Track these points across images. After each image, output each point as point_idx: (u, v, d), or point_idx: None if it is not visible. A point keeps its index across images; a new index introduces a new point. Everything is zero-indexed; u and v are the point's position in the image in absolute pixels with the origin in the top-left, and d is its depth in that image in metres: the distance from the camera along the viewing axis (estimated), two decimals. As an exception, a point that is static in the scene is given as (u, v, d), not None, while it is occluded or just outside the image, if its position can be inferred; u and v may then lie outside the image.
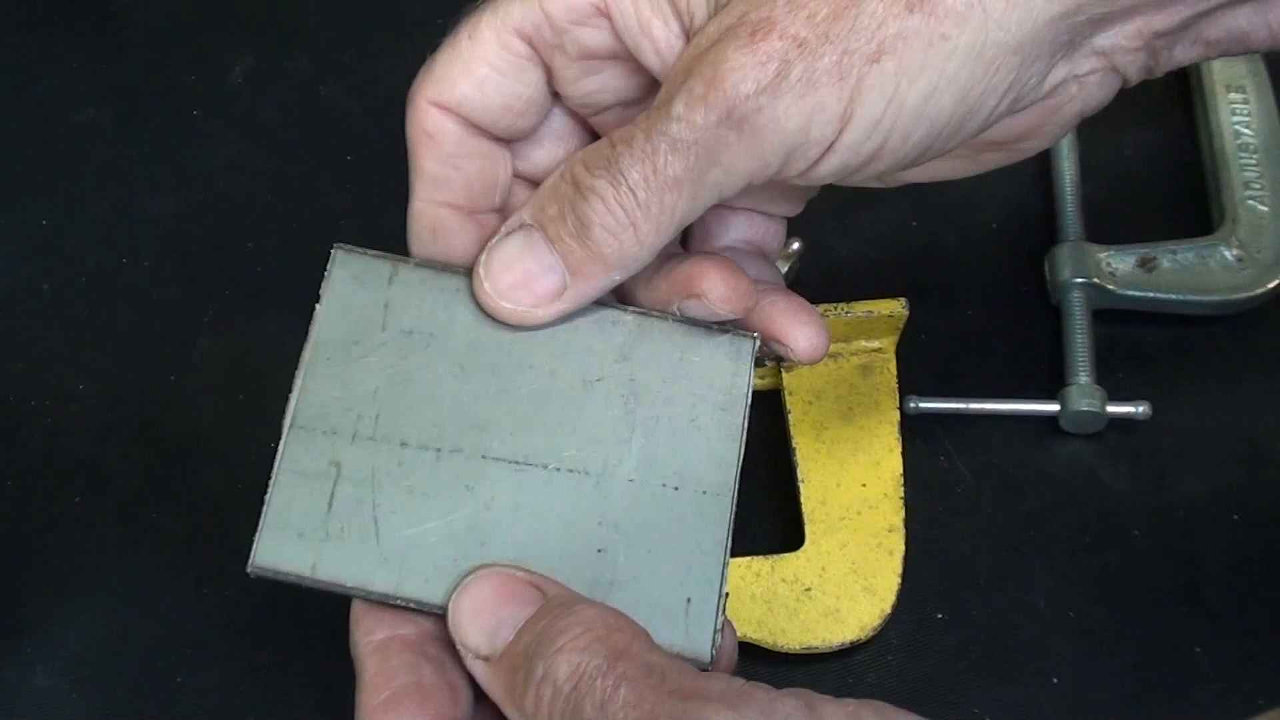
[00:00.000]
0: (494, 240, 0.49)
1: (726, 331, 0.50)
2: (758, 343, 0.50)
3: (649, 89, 0.50)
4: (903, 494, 0.63)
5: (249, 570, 0.45)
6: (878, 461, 0.64)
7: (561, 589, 0.46)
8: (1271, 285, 0.68)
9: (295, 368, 0.48)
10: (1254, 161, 0.71)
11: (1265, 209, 0.69)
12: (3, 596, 0.64)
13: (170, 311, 0.71)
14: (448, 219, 0.51)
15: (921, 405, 0.66)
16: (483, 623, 0.45)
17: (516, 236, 0.48)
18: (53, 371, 0.70)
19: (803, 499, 0.63)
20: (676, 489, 0.48)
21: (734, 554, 0.61)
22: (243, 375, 0.69)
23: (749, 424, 0.49)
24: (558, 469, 0.47)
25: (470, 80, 0.50)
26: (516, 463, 0.47)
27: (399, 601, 0.46)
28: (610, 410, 0.48)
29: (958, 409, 0.66)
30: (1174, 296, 0.68)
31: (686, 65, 0.46)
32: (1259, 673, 0.60)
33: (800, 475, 0.63)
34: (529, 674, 0.43)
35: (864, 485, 0.63)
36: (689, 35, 0.48)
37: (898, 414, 0.65)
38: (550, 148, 0.53)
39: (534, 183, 0.53)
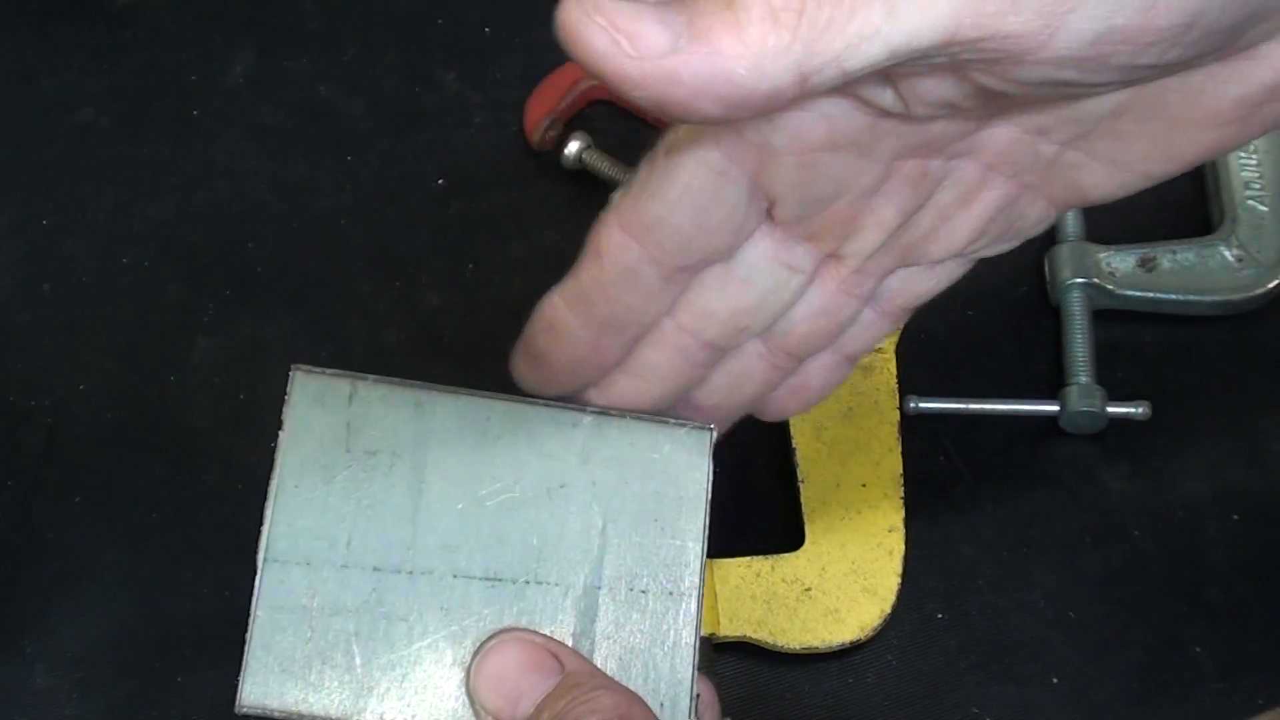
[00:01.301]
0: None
1: (683, 425, 0.50)
2: (714, 434, 0.50)
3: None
4: (903, 494, 0.63)
5: (237, 710, 0.47)
6: (878, 461, 0.64)
7: (579, 661, 0.47)
8: (1271, 285, 0.68)
9: (280, 414, 0.49)
10: (1254, 161, 0.70)
11: (1265, 209, 0.69)
12: (3, 596, 0.64)
13: (170, 311, 0.71)
14: (565, 328, 0.49)
15: (921, 405, 0.66)
16: (505, 691, 0.46)
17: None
18: (53, 371, 0.69)
19: (803, 499, 0.63)
20: (644, 592, 0.49)
21: (734, 554, 0.61)
22: (243, 375, 0.69)
23: (710, 519, 0.50)
24: (528, 582, 0.48)
25: (662, 201, 0.46)
26: (489, 579, 0.48)
27: None
28: (576, 519, 0.49)
29: (958, 409, 0.66)
30: (1174, 296, 0.68)
31: None
32: (1259, 673, 0.60)
33: (800, 475, 0.63)
34: None
35: (864, 485, 0.63)
36: None
37: (898, 414, 0.65)
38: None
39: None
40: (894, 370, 0.66)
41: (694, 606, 0.49)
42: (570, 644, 0.48)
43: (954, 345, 0.69)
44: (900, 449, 0.64)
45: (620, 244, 0.47)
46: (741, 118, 0.38)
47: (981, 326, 0.69)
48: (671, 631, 0.48)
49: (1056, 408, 0.65)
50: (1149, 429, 0.66)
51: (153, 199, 0.75)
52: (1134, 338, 0.68)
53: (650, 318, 0.49)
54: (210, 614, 0.63)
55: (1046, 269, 0.69)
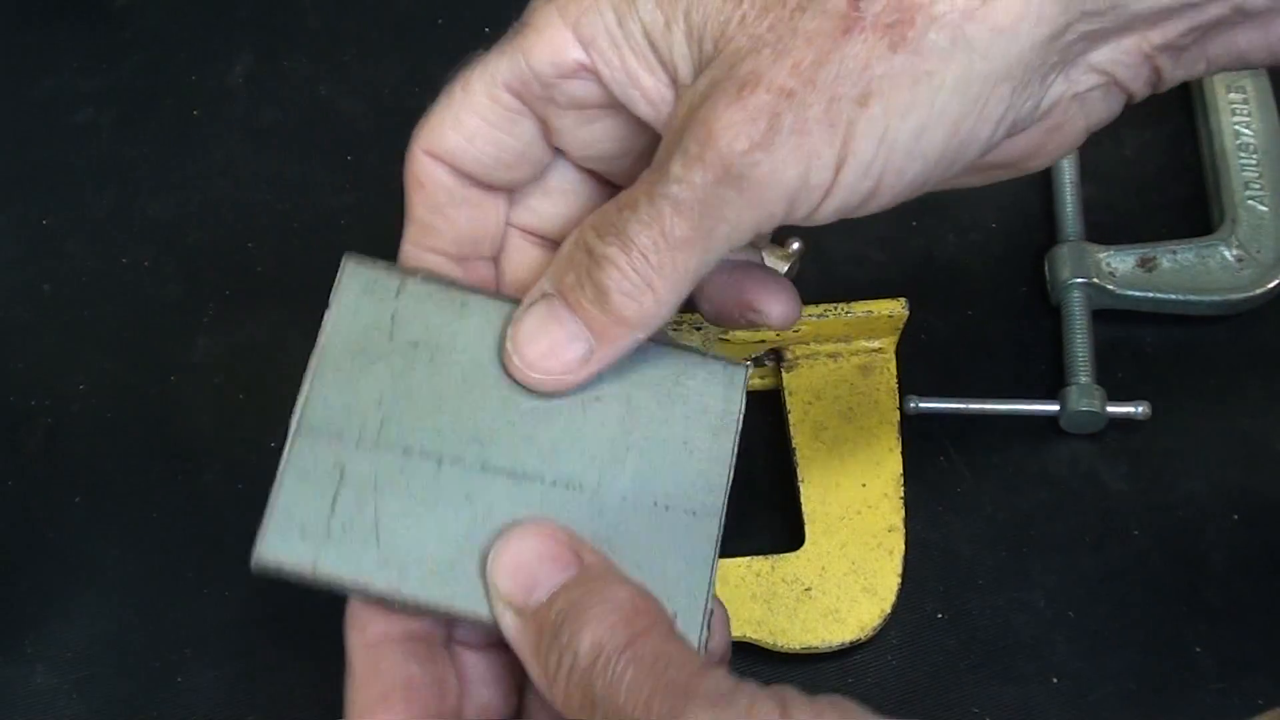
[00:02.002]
0: (519, 311, 0.49)
1: (720, 359, 0.51)
2: (750, 370, 0.52)
3: (651, 138, 0.50)
4: (903, 494, 0.63)
5: (252, 566, 0.46)
6: (878, 461, 0.64)
7: (597, 558, 0.47)
8: (1271, 285, 0.68)
9: (299, 370, 0.48)
10: (1254, 161, 0.71)
11: (1265, 209, 0.69)
12: (3, 596, 0.64)
13: (170, 311, 0.71)
14: (434, 265, 0.52)
15: (921, 405, 0.66)
16: (522, 579, 0.46)
17: (539, 307, 0.49)
18: (53, 371, 0.70)
19: (803, 499, 0.63)
20: (667, 508, 0.49)
21: (734, 554, 0.61)
22: (243, 375, 0.69)
23: (739, 447, 0.50)
24: (554, 483, 0.48)
25: (461, 131, 0.51)
26: (515, 475, 0.48)
27: (397, 602, 0.46)
28: (607, 429, 0.49)
29: (958, 409, 0.66)
30: (1174, 296, 0.68)
31: (680, 123, 0.47)
32: (1259, 673, 0.60)
33: (800, 475, 0.63)
34: (555, 638, 0.44)
35: (864, 485, 0.63)
36: (676, 86, 0.48)
37: (898, 414, 0.65)
38: (558, 201, 0.53)
39: (540, 236, 0.53)
40: (894, 370, 0.66)
41: (715, 527, 0.49)
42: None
43: (954, 345, 0.69)
44: (900, 449, 0.64)
45: (431, 167, 0.51)
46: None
47: (981, 326, 0.69)
48: (691, 547, 0.48)
49: (1056, 408, 0.65)
50: (1149, 429, 0.66)
51: (153, 199, 0.75)
52: (1134, 338, 0.68)
53: (493, 227, 0.53)
54: (210, 614, 0.63)
55: (1046, 269, 0.69)
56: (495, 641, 0.48)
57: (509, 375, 0.49)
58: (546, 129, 0.51)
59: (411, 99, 0.77)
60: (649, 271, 0.47)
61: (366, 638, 0.47)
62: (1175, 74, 0.49)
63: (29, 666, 0.62)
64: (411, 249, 0.52)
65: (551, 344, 0.49)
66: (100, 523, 0.66)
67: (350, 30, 0.80)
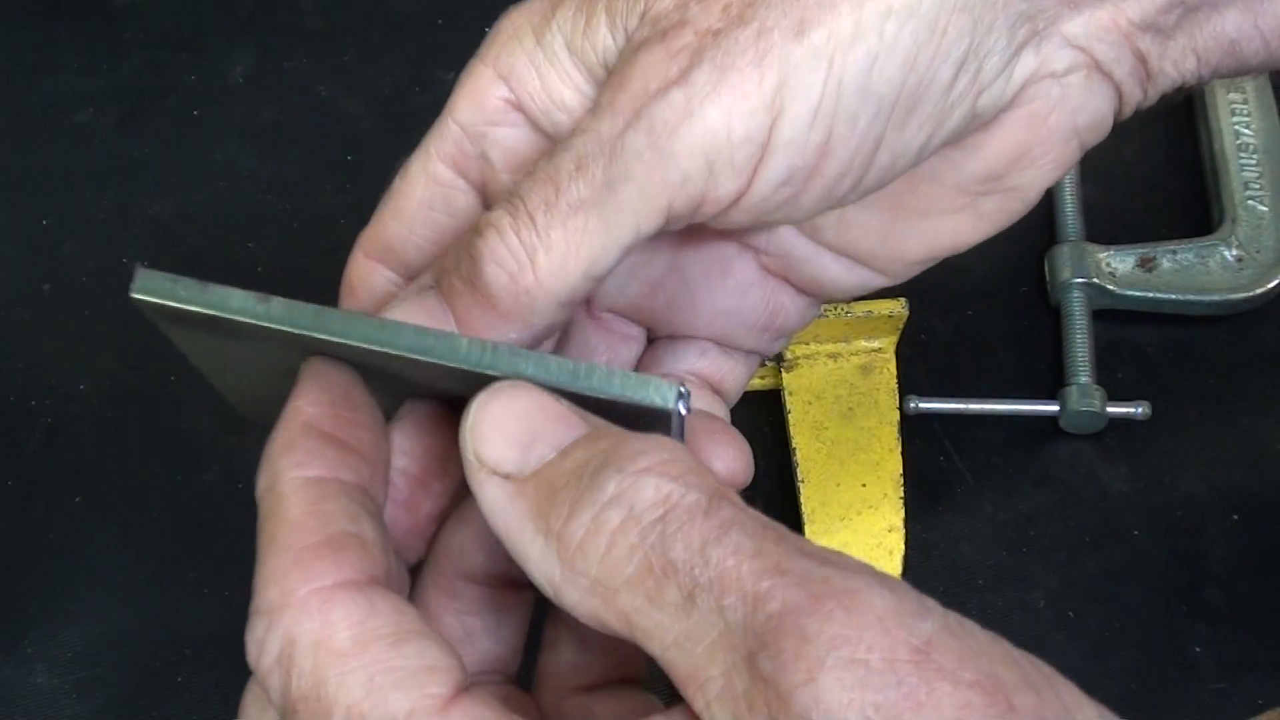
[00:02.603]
0: (391, 304, 0.43)
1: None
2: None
3: None
4: (903, 494, 0.63)
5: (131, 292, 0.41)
6: (878, 461, 0.64)
7: (613, 425, 0.38)
8: (1271, 285, 0.68)
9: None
10: (1254, 161, 0.71)
11: (1265, 209, 0.69)
12: (3, 596, 0.64)
13: (170, 311, 0.71)
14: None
15: (921, 405, 0.66)
16: (514, 431, 0.37)
17: (410, 300, 0.42)
18: (53, 371, 0.70)
19: (803, 499, 0.63)
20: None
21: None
22: (243, 375, 0.69)
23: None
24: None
25: (400, 220, 0.46)
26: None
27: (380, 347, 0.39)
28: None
29: (958, 409, 0.66)
30: (1174, 296, 0.68)
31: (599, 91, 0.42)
32: (1259, 673, 0.60)
33: (800, 475, 0.63)
34: (588, 492, 0.35)
35: (864, 485, 0.63)
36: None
37: (898, 414, 0.65)
38: None
39: None
40: (894, 370, 0.66)
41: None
42: None
43: (954, 345, 0.69)
44: (900, 449, 0.64)
45: (368, 271, 0.47)
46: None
47: (981, 326, 0.69)
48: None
49: (1056, 408, 0.65)
50: (1149, 429, 0.66)
51: (153, 199, 0.75)
52: (1134, 338, 0.68)
53: None
54: (210, 614, 0.63)
55: (1046, 269, 0.69)
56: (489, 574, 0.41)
57: None
58: (488, 201, 0.46)
59: (411, 99, 0.77)
60: (533, 239, 0.40)
61: (306, 473, 0.38)
62: (1164, 68, 0.46)
63: (29, 666, 0.62)
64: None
65: None
66: (100, 523, 0.66)
67: (350, 30, 0.80)
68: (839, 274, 0.48)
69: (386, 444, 0.41)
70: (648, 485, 0.35)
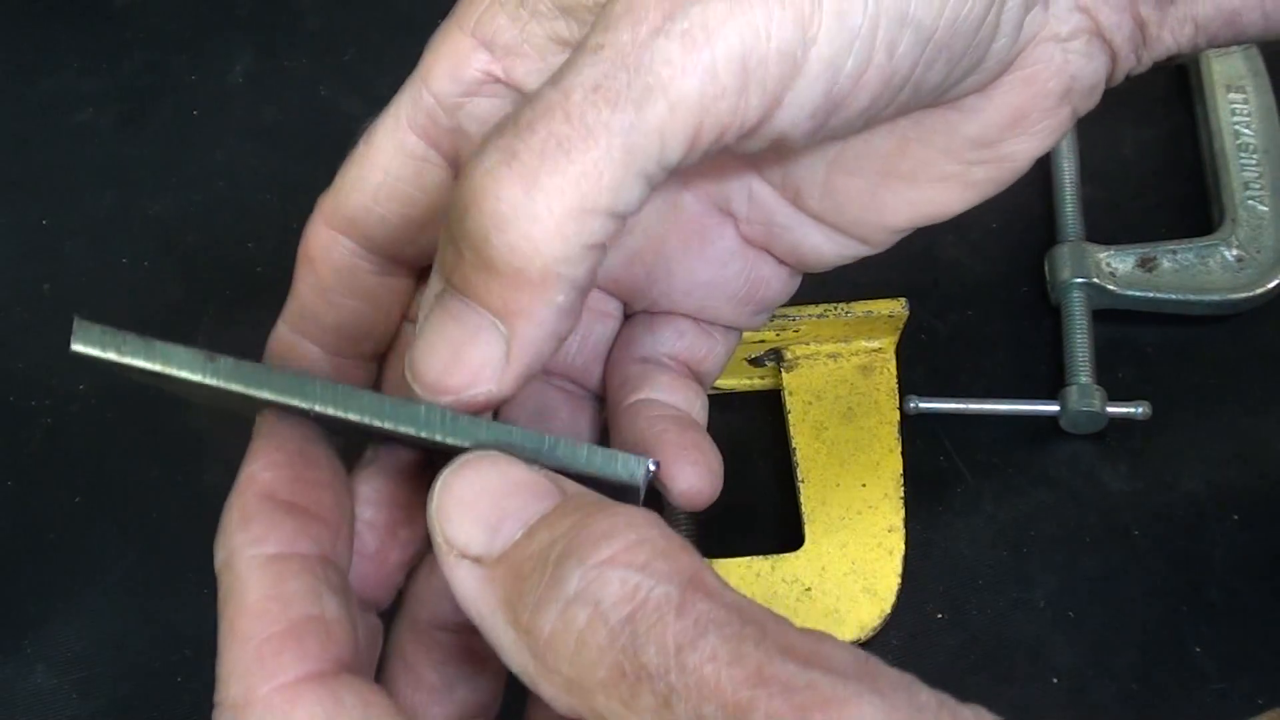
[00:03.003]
0: (419, 324, 0.39)
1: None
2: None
3: None
4: (903, 494, 0.63)
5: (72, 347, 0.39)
6: (878, 461, 0.64)
7: (586, 490, 0.36)
8: (1271, 285, 0.68)
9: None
10: (1254, 161, 0.71)
11: (1265, 209, 0.69)
12: (3, 596, 0.64)
13: (170, 311, 0.71)
14: (301, 354, 0.44)
15: (921, 405, 0.66)
16: (481, 511, 0.35)
17: (433, 313, 0.37)
18: (53, 371, 0.69)
19: (803, 499, 0.63)
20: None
21: (734, 554, 0.61)
22: (243, 375, 0.69)
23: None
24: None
25: (364, 192, 0.43)
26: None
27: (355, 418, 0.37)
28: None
29: (958, 409, 0.66)
30: (1174, 296, 0.68)
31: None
32: (1259, 673, 0.60)
33: (800, 475, 0.63)
34: (554, 585, 0.33)
35: (864, 485, 0.63)
36: None
37: (898, 414, 0.65)
38: None
39: None
40: (894, 370, 0.66)
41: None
42: None
43: (954, 345, 0.69)
44: (900, 449, 0.64)
45: (329, 242, 0.44)
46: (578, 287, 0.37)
47: (981, 326, 0.69)
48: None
49: (1056, 408, 0.65)
50: (1149, 429, 0.66)
51: (153, 199, 0.75)
52: (1134, 338, 0.68)
53: (382, 324, 0.44)
54: (210, 614, 0.63)
55: (1046, 269, 0.69)
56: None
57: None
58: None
59: (411, 99, 0.77)
60: (542, 180, 0.34)
61: (265, 551, 0.37)
62: (1161, 35, 0.44)
63: (29, 666, 0.62)
64: (285, 331, 0.44)
65: (453, 350, 0.37)
66: (100, 523, 0.66)
67: (350, 30, 0.80)
68: (820, 242, 0.46)
69: (349, 499, 0.39)
70: (613, 579, 0.32)
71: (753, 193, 0.45)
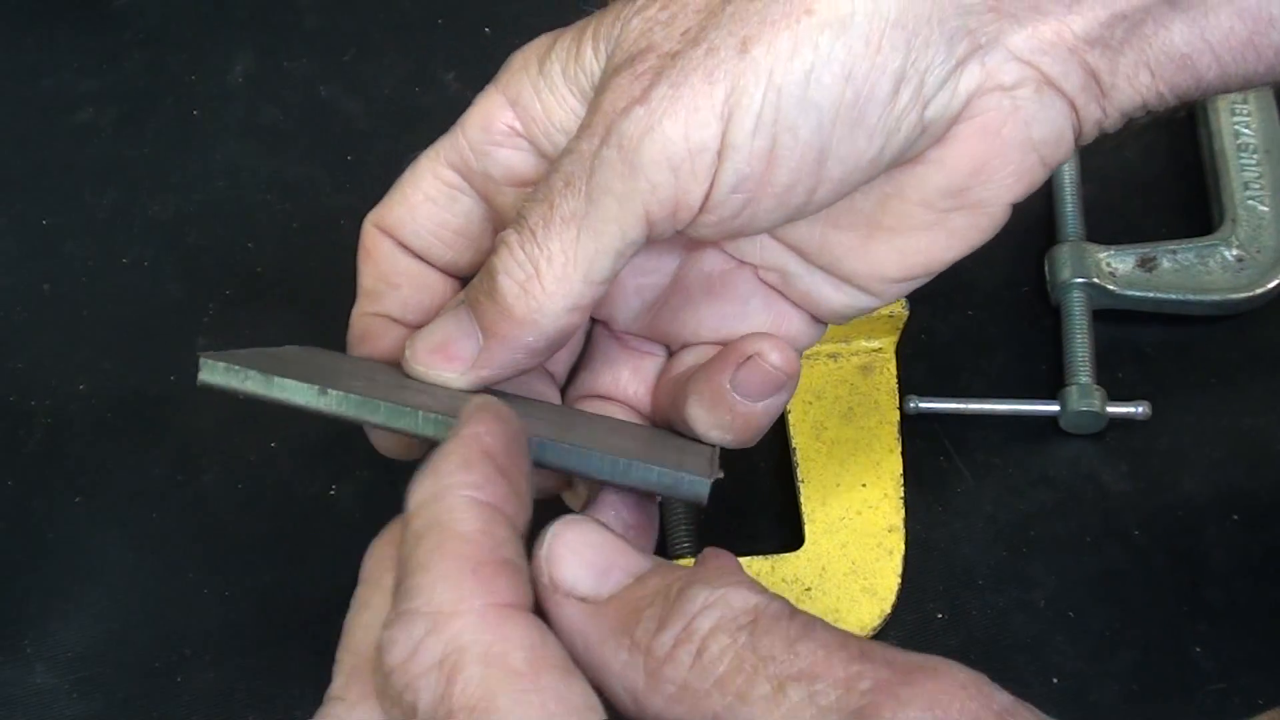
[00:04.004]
0: (435, 319, 0.49)
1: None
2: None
3: None
4: (903, 494, 0.63)
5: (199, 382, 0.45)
6: (878, 461, 0.64)
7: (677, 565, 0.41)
8: (1271, 285, 0.68)
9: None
10: (1254, 161, 0.71)
11: (1265, 209, 0.69)
12: (3, 596, 0.64)
13: (170, 311, 0.71)
14: (378, 326, 0.52)
15: (921, 405, 0.66)
16: (590, 559, 0.40)
17: (447, 312, 0.49)
18: (53, 371, 0.70)
19: (803, 499, 0.63)
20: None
21: (734, 554, 0.61)
22: (243, 375, 0.69)
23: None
24: None
25: (405, 205, 0.52)
26: None
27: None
28: None
29: (958, 409, 0.66)
30: (1174, 296, 0.68)
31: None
32: (1259, 673, 0.60)
33: (800, 475, 0.63)
34: (678, 605, 0.37)
35: (864, 485, 0.63)
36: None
37: (898, 414, 0.65)
38: None
39: None
40: (894, 370, 0.66)
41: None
42: None
43: (954, 345, 0.69)
44: (900, 449, 0.64)
45: (378, 238, 0.53)
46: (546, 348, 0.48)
47: (981, 326, 0.69)
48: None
49: (1056, 408, 0.65)
50: (1149, 429, 0.66)
51: (153, 199, 0.75)
52: (1134, 338, 0.68)
53: (429, 300, 0.53)
54: (210, 614, 0.63)
55: (1046, 269, 0.69)
56: None
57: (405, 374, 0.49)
58: (491, 209, 0.52)
59: (411, 99, 0.77)
60: (536, 253, 0.45)
61: (481, 495, 0.39)
62: (1117, 84, 0.47)
63: (29, 666, 0.62)
64: (356, 316, 0.53)
65: (443, 339, 0.48)
66: (100, 523, 0.66)
67: (350, 30, 0.80)
68: (830, 292, 0.51)
69: (531, 497, 0.43)
70: (737, 595, 0.37)
71: (764, 245, 0.51)
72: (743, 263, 0.52)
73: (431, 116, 0.76)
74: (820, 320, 0.53)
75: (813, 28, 0.44)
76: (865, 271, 0.51)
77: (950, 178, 0.48)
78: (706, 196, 0.45)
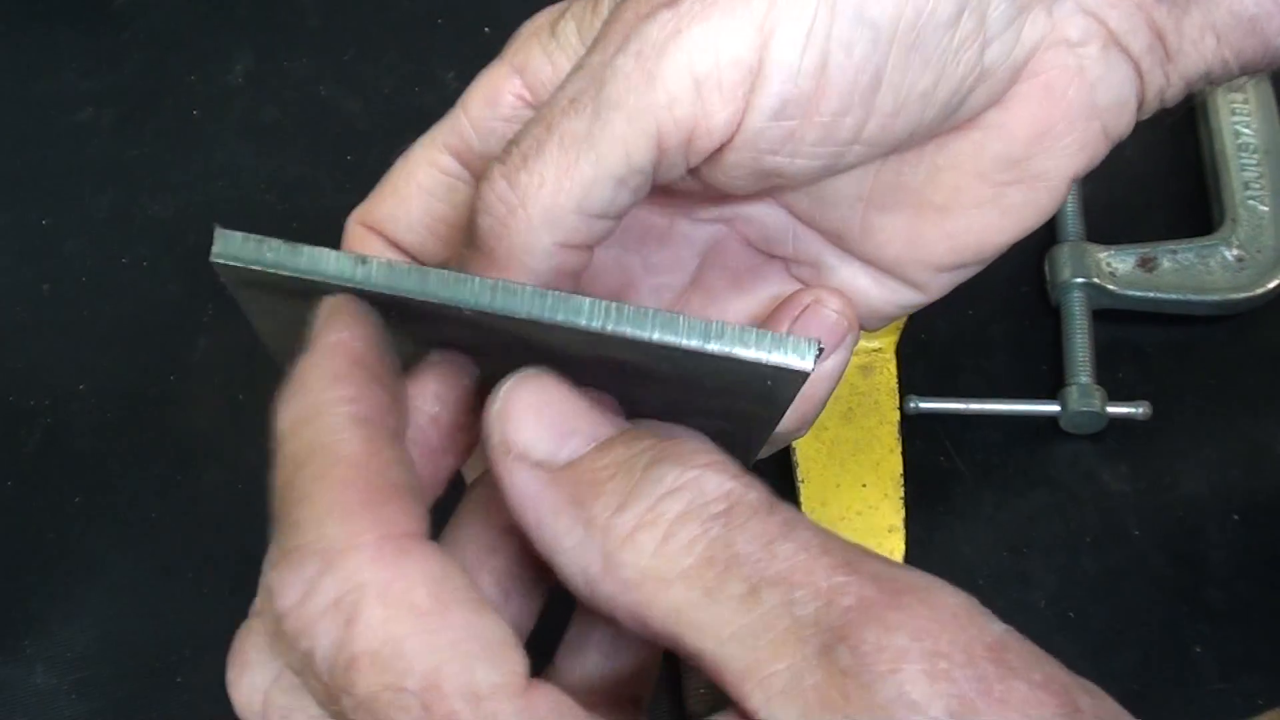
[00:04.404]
0: None
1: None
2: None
3: None
4: (903, 494, 0.63)
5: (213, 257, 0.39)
6: (878, 461, 0.64)
7: (647, 423, 0.38)
8: (1271, 285, 0.68)
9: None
10: (1254, 161, 0.71)
11: (1265, 209, 0.69)
12: (3, 596, 0.64)
13: (170, 311, 0.71)
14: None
15: (921, 405, 0.66)
16: (547, 420, 0.36)
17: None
18: (53, 371, 0.70)
19: (803, 499, 0.63)
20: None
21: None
22: (243, 375, 0.69)
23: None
24: None
25: (396, 198, 0.46)
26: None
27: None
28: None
29: (958, 409, 0.66)
30: (1174, 296, 0.68)
31: None
32: (1259, 673, 0.60)
33: (800, 475, 0.63)
34: (644, 484, 0.34)
35: (864, 485, 0.63)
36: None
37: (898, 414, 0.65)
38: None
39: None
40: (894, 370, 0.66)
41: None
42: None
43: (954, 345, 0.69)
44: (900, 449, 0.64)
45: (363, 236, 0.47)
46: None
47: (981, 326, 0.69)
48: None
49: (1056, 408, 0.65)
50: (1149, 429, 0.66)
51: (153, 199, 0.75)
52: (1134, 338, 0.68)
53: None
54: (210, 614, 0.63)
55: (1046, 269, 0.69)
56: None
57: None
58: None
59: (411, 99, 0.77)
60: (525, 181, 0.39)
61: (359, 409, 0.35)
62: (1183, 47, 0.44)
63: (29, 666, 0.62)
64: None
65: None
66: (100, 523, 0.66)
67: (350, 30, 0.80)
68: (868, 285, 0.47)
69: (406, 399, 0.39)
70: (710, 480, 0.34)
71: (796, 234, 0.46)
72: (772, 256, 0.47)
73: (431, 116, 0.76)
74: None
75: None
76: (911, 258, 0.46)
77: (1009, 145, 0.44)
78: (738, 121, 0.40)
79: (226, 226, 0.41)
